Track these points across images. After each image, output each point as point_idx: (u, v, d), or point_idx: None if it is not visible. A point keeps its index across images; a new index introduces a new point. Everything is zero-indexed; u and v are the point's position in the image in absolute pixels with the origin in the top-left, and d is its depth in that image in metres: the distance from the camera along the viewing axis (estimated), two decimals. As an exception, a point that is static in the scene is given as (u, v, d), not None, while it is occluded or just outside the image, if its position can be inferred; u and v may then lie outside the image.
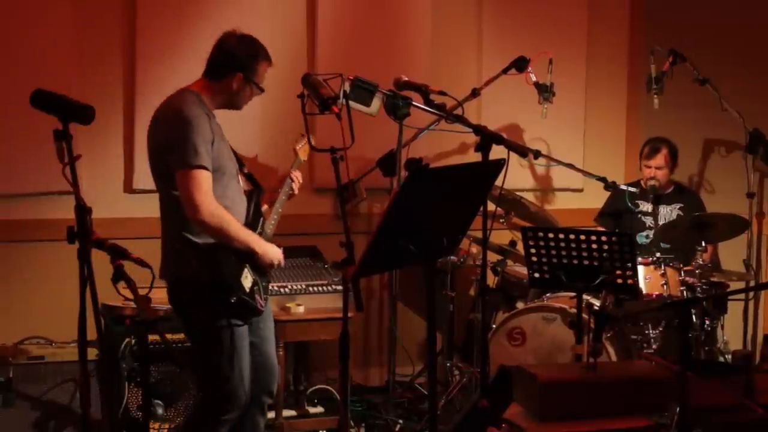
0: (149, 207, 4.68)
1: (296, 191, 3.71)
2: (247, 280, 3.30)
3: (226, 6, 4.79)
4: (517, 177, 5.19)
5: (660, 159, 5.05)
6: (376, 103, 4.32)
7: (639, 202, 5.15)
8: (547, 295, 4.57)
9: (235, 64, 3.32)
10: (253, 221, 3.42)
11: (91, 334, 2.53)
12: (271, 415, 4.02)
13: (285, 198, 3.64)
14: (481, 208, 3.07)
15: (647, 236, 5.08)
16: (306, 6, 5.01)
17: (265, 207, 3.58)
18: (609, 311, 4.12)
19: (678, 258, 4.62)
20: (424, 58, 5.21)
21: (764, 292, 5.42)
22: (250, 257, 3.30)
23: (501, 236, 4.90)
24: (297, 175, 3.70)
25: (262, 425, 3.57)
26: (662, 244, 4.91)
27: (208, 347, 3.31)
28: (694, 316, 4.44)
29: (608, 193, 5.11)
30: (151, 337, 3.67)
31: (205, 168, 3.16)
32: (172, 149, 3.17)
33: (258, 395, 3.48)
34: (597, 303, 4.26)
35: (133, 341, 3.99)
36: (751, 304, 5.00)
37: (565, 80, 5.24)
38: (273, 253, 3.37)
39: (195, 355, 3.43)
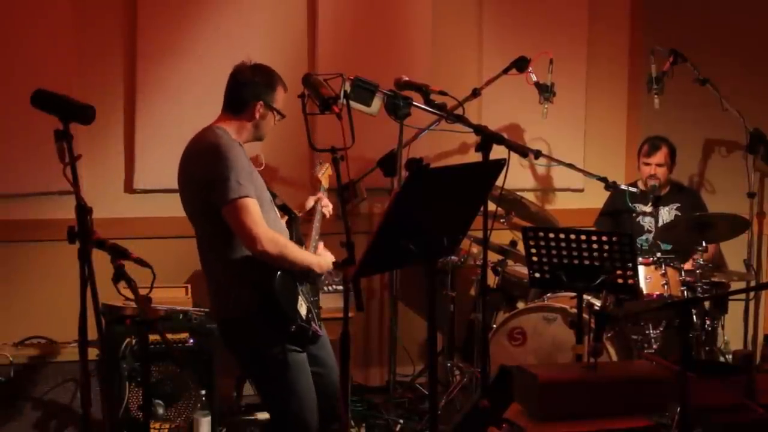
0: (149, 207, 4.74)
1: (328, 215, 3.74)
2: (302, 308, 3.29)
3: (226, 6, 4.79)
4: (517, 177, 5.19)
5: (660, 156, 5.05)
6: (377, 103, 4.31)
7: (637, 204, 5.14)
8: (548, 295, 4.57)
9: (254, 92, 3.30)
10: None
11: (92, 334, 2.53)
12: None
13: (319, 225, 3.65)
14: (482, 208, 3.07)
15: (646, 240, 5.07)
16: (306, 6, 5.01)
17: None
18: (609, 311, 4.12)
19: (678, 258, 4.62)
20: (425, 58, 5.21)
21: (765, 292, 5.42)
22: (306, 277, 3.31)
23: (501, 236, 4.90)
24: (325, 203, 3.73)
25: None
26: (663, 245, 4.91)
27: (270, 381, 3.28)
28: (694, 316, 4.44)
29: (609, 194, 5.11)
30: (152, 337, 3.66)
31: (251, 197, 3.14)
32: (214, 186, 3.12)
33: (328, 425, 3.46)
34: (597, 303, 4.26)
35: (134, 341, 3.99)
36: (751, 304, 5.00)
37: (566, 80, 5.24)
38: (328, 261, 3.37)
39: (260, 394, 3.39)
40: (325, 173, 3.92)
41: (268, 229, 3.14)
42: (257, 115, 3.32)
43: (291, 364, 3.24)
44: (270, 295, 3.18)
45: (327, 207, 3.74)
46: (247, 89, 3.31)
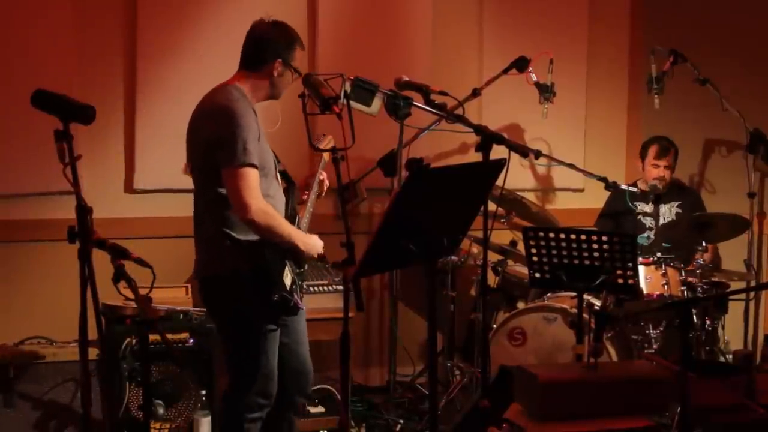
0: (150, 207, 4.74)
1: (325, 190, 3.68)
2: (287, 278, 3.29)
3: (226, 6, 4.79)
4: (517, 177, 5.19)
5: (671, 158, 5.06)
6: (377, 103, 4.32)
7: (637, 203, 5.14)
8: (548, 295, 4.57)
9: (273, 50, 3.31)
10: (290, 219, 3.40)
11: (92, 333, 2.53)
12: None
13: (315, 198, 3.62)
14: (482, 208, 3.07)
15: (648, 237, 5.07)
16: (306, 6, 5.01)
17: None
18: (610, 311, 4.12)
19: (679, 258, 4.62)
20: (425, 58, 5.21)
21: (765, 292, 5.42)
22: (292, 253, 3.30)
23: (502, 236, 4.90)
24: (323, 176, 3.66)
25: (296, 424, 3.58)
26: (663, 244, 4.91)
27: (238, 346, 3.31)
28: (694, 316, 4.44)
29: (609, 193, 5.10)
30: (152, 337, 3.65)
31: (254, 166, 3.14)
32: (221, 146, 3.13)
33: (292, 397, 3.49)
34: (598, 303, 4.26)
35: (134, 341, 3.99)
36: (751, 304, 5.00)
37: (566, 80, 5.24)
38: (315, 245, 3.36)
39: (226, 354, 3.38)
40: (327, 145, 3.68)
41: (262, 200, 3.15)
42: (275, 73, 3.32)
43: (265, 332, 3.26)
44: (258, 260, 3.20)
45: (324, 182, 3.66)
46: (267, 46, 3.32)
